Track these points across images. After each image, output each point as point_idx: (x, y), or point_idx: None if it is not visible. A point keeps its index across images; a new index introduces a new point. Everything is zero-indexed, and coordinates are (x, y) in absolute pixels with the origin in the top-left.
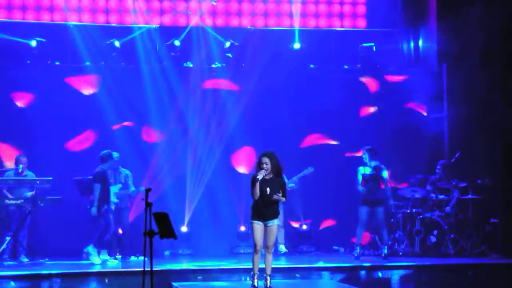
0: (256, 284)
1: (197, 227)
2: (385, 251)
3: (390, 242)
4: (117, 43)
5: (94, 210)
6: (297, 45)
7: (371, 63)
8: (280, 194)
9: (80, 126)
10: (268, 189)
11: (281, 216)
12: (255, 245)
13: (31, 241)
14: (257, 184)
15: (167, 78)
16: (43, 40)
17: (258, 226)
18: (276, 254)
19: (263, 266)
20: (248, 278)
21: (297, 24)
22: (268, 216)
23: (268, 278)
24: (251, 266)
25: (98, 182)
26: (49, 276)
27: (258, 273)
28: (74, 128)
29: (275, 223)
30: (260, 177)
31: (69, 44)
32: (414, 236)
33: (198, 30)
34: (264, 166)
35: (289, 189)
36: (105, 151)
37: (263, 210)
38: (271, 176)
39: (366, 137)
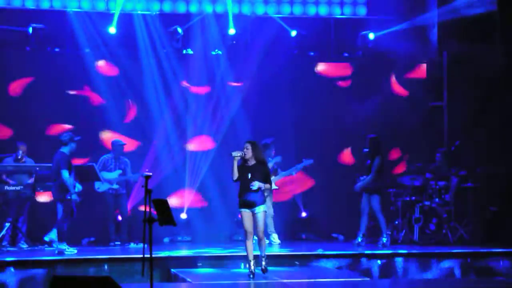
0: (253, 270)
1: (197, 214)
2: (384, 239)
3: (389, 232)
4: (112, 30)
5: (75, 196)
6: (293, 33)
7: (371, 51)
8: (263, 184)
9: (78, 112)
10: (249, 175)
11: (271, 205)
12: (245, 232)
13: (30, 227)
14: (234, 163)
15: (167, 64)
16: (41, 26)
17: (246, 213)
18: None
19: (257, 253)
20: (247, 265)
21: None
22: (253, 203)
23: (263, 260)
24: (234, 252)
25: (65, 167)
26: (49, 262)
27: (253, 259)
28: (73, 115)
29: (261, 210)
30: (234, 154)
31: (69, 30)
32: (413, 224)
33: (199, 17)
34: (245, 150)
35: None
36: (65, 134)
37: (247, 197)
38: (253, 163)
39: (367, 125)
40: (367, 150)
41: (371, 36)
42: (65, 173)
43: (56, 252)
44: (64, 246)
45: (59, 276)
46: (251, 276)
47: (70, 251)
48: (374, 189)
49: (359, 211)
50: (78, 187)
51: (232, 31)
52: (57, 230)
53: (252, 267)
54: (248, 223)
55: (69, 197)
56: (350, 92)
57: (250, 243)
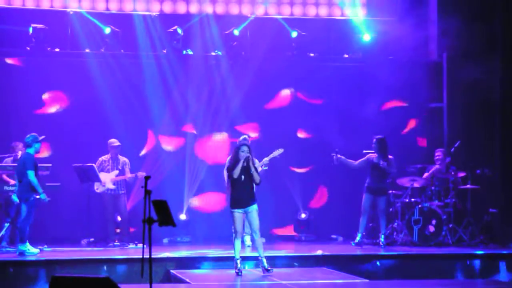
0: (240, 268)
1: (196, 215)
2: (382, 239)
3: (388, 232)
4: (107, 30)
5: (43, 196)
6: (294, 34)
7: (371, 52)
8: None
9: (78, 112)
10: (242, 177)
11: None
12: (236, 232)
13: (29, 228)
14: (241, 163)
15: (167, 65)
16: (41, 26)
17: (238, 215)
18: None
19: (256, 254)
20: (246, 266)
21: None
22: (247, 202)
23: (264, 259)
24: (233, 253)
25: (31, 168)
26: (48, 263)
27: (240, 257)
28: (73, 114)
29: (254, 208)
30: (244, 155)
31: (69, 30)
32: (413, 226)
33: (201, 18)
34: (246, 153)
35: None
36: (29, 136)
37: (242, 196)
38: (244, 164)
39: (365, 126)
40: (373, 151)
41: (367, 37)
42: (31, 174)
43: (17, 253)
44: (25, 247)
45: (58, 276)
46: (239, 273)
47: (31, 253)
48: (384, 190)
49: (360, 211)
50: (111, 186)
51: (236, 32)
52: (20, 230)
53: (239, 265)
54: (240, 224)
55: (37, 197)
56: (350, 93)
57: (239, 243)
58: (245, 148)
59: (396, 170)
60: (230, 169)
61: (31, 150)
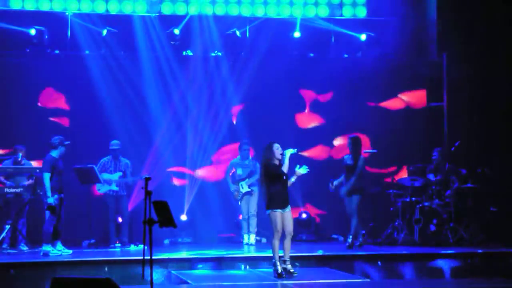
0: (280, 270)
1: (197, 215)
2: (349, 240)
3: (389, 231)
4: (104, 32)
5: (51, 200)
6: (297, 34)
7: (371, 52)
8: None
9: (79, 114)
10: (284, 176)
11: (254, 204)
12: (277, 232)
13: (30, 230)
14: (287, 159)
15: (167, 66)
16: (42, 28)
17: (280, 214)
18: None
19: (281, 254)
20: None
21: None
22: (288, 203)
23: (289, 261)
24: (272, 253)
25: (47, 171)
26: (49, 264)
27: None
28: (73, 115)
29: (290, 209)
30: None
31: (69, 32)
32: (414, 225)
33: (198, 18)
34: (281, 150)
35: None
36: (56, 137)
37: (285, 195)
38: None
39: (365, 125)
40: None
41: (363, 37)
42: (46, 176)
43: (41, 254)
44: (49, 248)
45: (59, 277)
46: (284, 275)
47: (55, 253)
48: (354, 189)
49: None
50: (114, 188)
51: (238, 32)
52: (43, 232)
53: (279, 267)
54: (280, 224)
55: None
56: (351, 93)
57: (278, 243)
58: (278, 145)
59: (360, 169)
60: (273, 168)
61: (54, 153)
